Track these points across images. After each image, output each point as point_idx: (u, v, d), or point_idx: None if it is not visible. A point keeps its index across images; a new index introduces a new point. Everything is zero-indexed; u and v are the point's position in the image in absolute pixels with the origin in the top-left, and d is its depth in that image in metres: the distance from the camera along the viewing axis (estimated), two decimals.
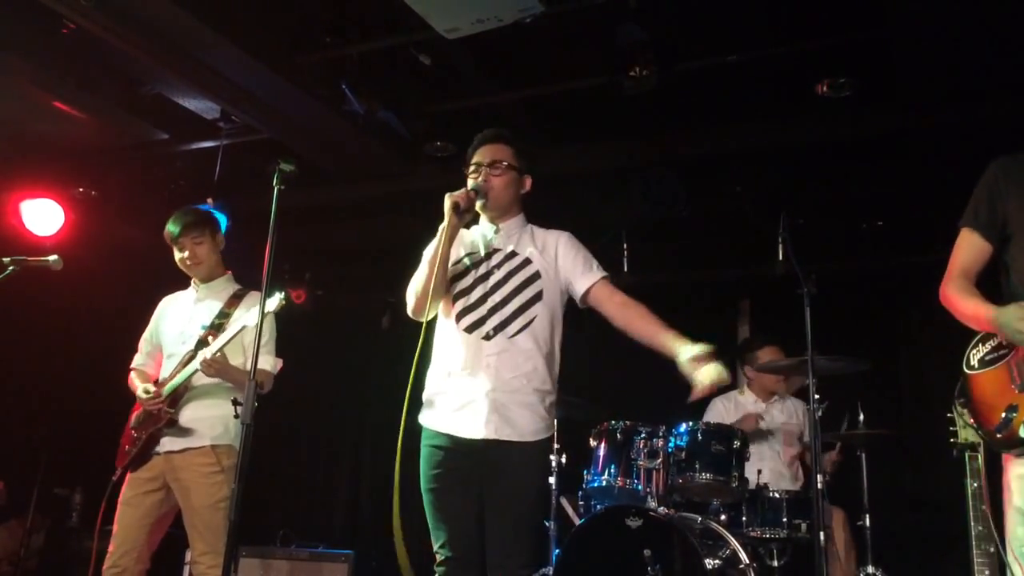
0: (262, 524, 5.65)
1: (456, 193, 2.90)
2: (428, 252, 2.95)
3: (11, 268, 3.53)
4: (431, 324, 2.98)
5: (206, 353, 3.38)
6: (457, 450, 2.84)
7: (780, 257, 3.95)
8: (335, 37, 4.51)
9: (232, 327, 3.45)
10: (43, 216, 5.72)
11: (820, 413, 3.89)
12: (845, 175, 5.42)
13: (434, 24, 4.04)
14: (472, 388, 2.85)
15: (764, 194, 5.47)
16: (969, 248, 2.56)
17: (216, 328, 3.57)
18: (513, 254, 3.00)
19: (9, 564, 5.86)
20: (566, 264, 2.99)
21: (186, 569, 4.94)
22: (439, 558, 2.85)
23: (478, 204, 2.98)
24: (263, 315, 2.91)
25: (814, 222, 5.38)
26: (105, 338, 5.74)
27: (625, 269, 5.88)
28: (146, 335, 3.86)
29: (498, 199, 3.02)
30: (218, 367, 3.40)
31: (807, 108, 4.83)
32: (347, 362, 7.59)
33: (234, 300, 3.71)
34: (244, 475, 2.68)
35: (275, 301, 3.24)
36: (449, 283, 2.99)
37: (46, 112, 5.10)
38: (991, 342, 2.45)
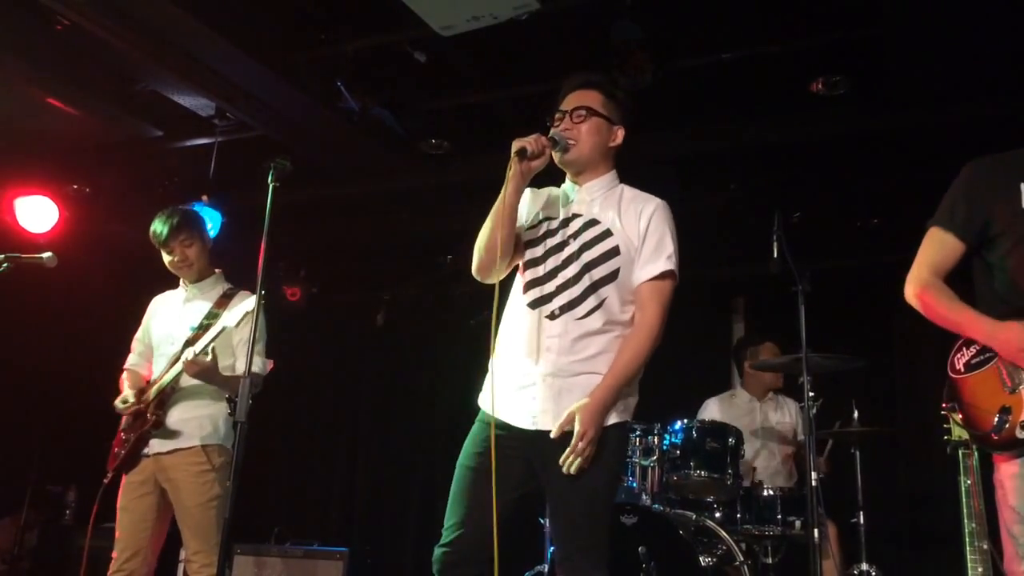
0: (257, 522, 5.65)
1: (525, 138, 2.60)
2: (496, 205, 2.63)
3: (5, 265, 3.50)
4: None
5: (188, 355, 3.35)
6: (508, 437, 2.55)
7: (775, 255, 3.95)
8: (330, 34, 4.51)
9: (215, 328, 3.41)
10: (37, 213, 5.71)
11: (814, 411, 3.90)
12: (840, 173, 5.43)
13: (430, 21, 4.03)
14: (530, 371, 2.58)
15: (759, 192, 5.48)
16: (941, 248, 2.53)
17: (204, 329, 3.52)
18: (593, 222, 2.68)
19: (3, 562, 5.85)
20: (644, 243, 2.67)
21: (180, 567, 4.93)
22: (443, 537, 2.59)
23: (557, 157, 2.69)
24: (257, 316, 2.89)
25: (809, 220, 5.39)
26: (99, 335, 5.72)
27: None
28: (138, 335, 3.84)
29: (580, 151, 2.71)
30: (199, 368, 3.35)
31: (802, 106, 4.83)
32: (342, 360, 7.59)
33: (223, 300, 3.67)
34: (239, 473, 2.67)
35: (252, 300, 3.18)
36: (523, 246, 2.72)
37: (40, 109, 5.08)
38: (975, 345, 2.44)
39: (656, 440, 4.28)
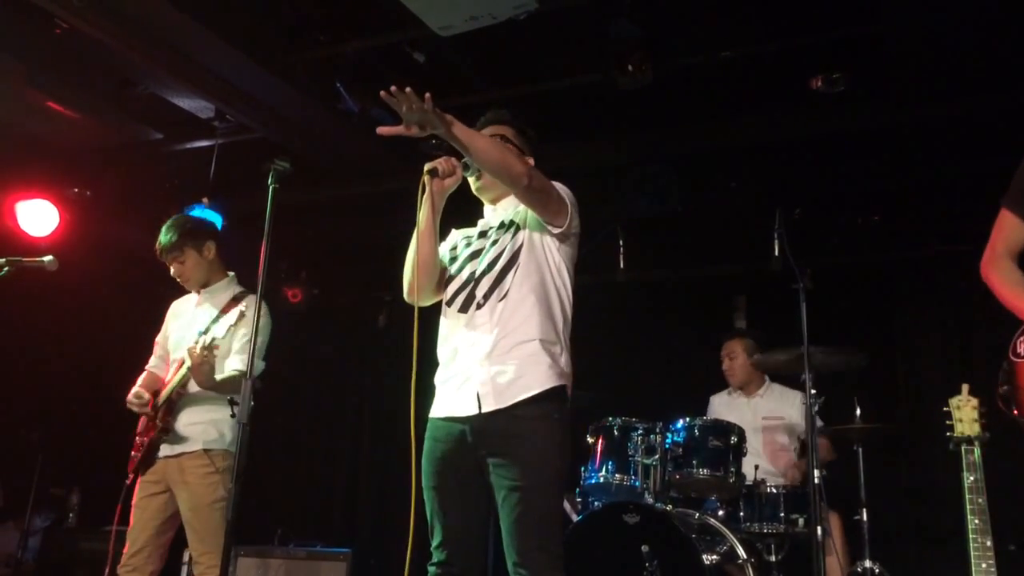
0: (260, 523, 5.66)
1: (435, 160, 2.74)
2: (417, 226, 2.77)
3: (6, 269, 3.50)
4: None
5: (196, 348, 3.35)
6: (458, 437, 2.65)
7: (776, 252, 3.95)
8: (329, 35, 4.51)
9: (213, 331, 3.41)
10: (38, 217, 5.71)
11: (817, 408, 3.89)
12: (840, 170, 5.43)
13: (428, 22, 4.04)
14: (470, 362, 2.69)
15: (759, 189, 5.48)
16: (1007, 228, 2.53)
17: (208, 334, 3.55)
18: (502, 225, 2.84)
19: (6, 566, 5.86)
20: None
21: (184, 569, 4.94)
22: (433, 557, 2.66)
23: (473, 182, 2.82)
24: (257, 319, 2.89)
25: (810, 217, 5.39)
26: (100, 338, 5.73)
27: (621, 266, 5.88)
28: (158, 338, 3.91)
29: None
30: (202, 358, 3.34)
31: (802, 103, 4.83)
32: (344, 361, 7.59)
33: (231, 304, 3.66)
34: (241, 475, 2.67)
35: (246, 302, 3.21)
36: (446, 272, 2.87)
37: (40, 112, 5.10)
38: None
39: (658, 439, 4.28)
